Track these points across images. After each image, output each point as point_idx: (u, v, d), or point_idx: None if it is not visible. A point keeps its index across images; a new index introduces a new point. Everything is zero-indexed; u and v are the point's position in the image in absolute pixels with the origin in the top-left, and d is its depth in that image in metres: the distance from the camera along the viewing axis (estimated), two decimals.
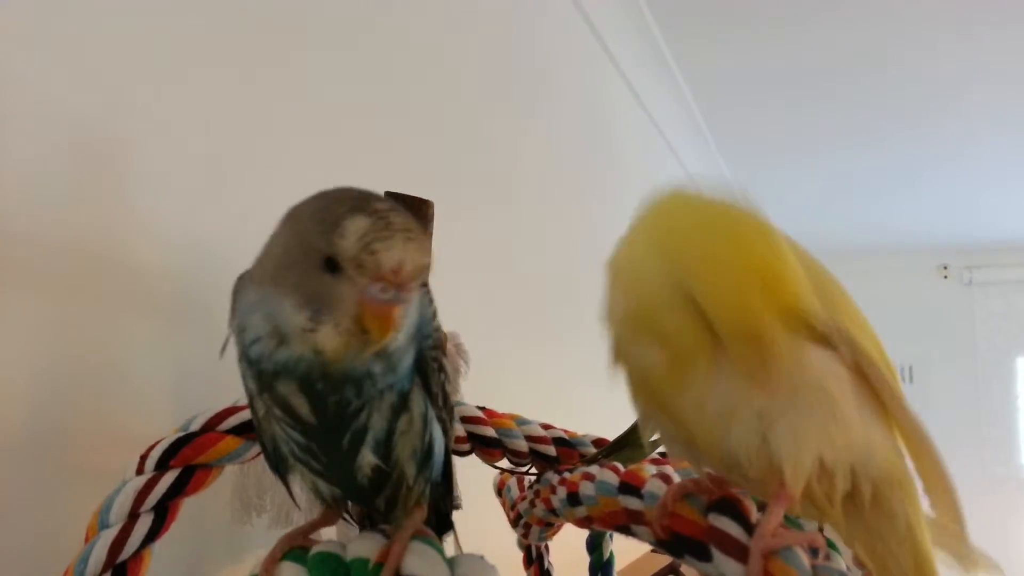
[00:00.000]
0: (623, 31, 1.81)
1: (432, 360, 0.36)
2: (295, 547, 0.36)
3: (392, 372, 0.33)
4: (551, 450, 0.58)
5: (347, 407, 0.32)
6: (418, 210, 0.67)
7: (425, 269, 0.30)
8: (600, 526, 0.45)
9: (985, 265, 3.81)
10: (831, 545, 0.35)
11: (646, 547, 0.71)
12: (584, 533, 0.80)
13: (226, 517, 0.58)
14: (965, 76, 2.11)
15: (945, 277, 3.90)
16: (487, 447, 0.56)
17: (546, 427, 0.60)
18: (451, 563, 0.30)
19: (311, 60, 0.83)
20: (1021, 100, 2.24)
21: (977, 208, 3.24)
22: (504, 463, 0.60)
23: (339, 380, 0.32)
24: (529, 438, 0.58)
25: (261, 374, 0.33)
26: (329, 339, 0.30)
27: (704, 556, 0.34)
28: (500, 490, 0.73)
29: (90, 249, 0.57)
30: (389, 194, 0.66)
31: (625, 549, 0.81)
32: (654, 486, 0.39)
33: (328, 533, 0.43)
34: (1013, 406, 3.73)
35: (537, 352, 1.31)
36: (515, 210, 1.31)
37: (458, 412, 0.56)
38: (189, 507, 0.54)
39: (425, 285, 0.37)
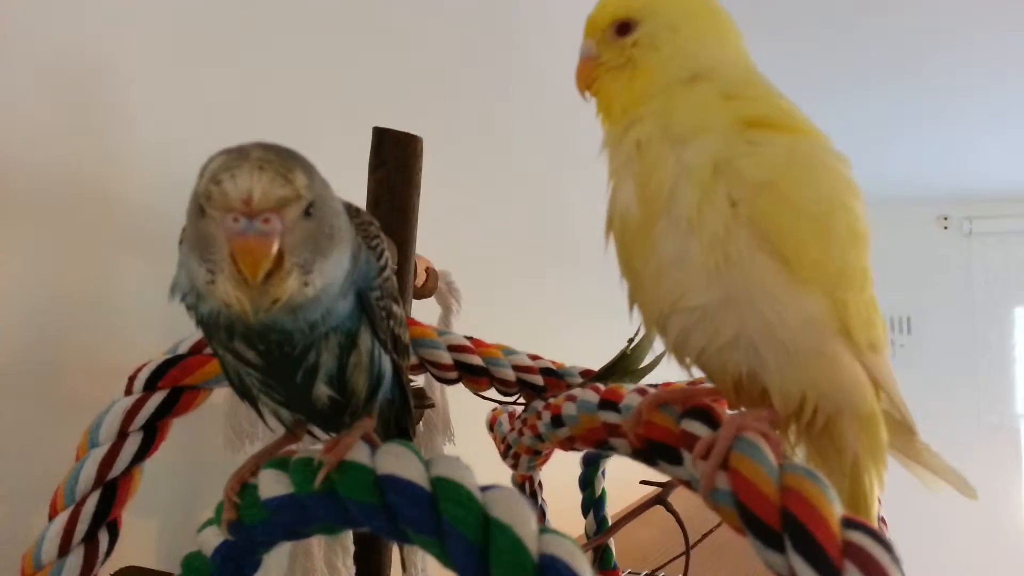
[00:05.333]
0: None
1: (380, 309, 0.37)
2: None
3: (320, 324, 0.33)
4: (538, 379, 0.59)
5: (291, 351, 0.33)
6: (407, 146, 0.67)
7: (283, 199, 0.29)
8: (582, 444, 0.46)
9: (985, 216, 3.80)
10: None
11: (636, 484, 0.72)
12: (577, 471, 0.82)
13: (220, 445, 0.59)
14: (964, 21, 2.07)
15: (945, 228, 3.89)
16: (474, 375, 0.57)
17: (534, 358, 0.61)
18: (427, 464, 0.31)
19: None
20: (1023, 47, 2.21)
21: (977, 158, 3.22)
22: (492, 392, 0.61)
23: (264, 332, 0.32)
24: (516, 367, 0.59)
25: (200, 324, 0.34)
26: (229, 290, 0.29)
27: (676, 460, 0.35)
28: (492, 426, 0.75)
29: (79, 186, 0.58)
30: (378, 129, 0.66)
31: (615, 486, 0.83)
32: (632, 400, 0.39)
33: None
34: (1010, 356, 3.75)
35: (526, 285, 1.32)
36: (503, 142, 1.30)
37: (445, 341, 0.57)
38: (185, 436, 0.55)
39: (376, 239, 0.38)
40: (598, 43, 0.40)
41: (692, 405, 0.36)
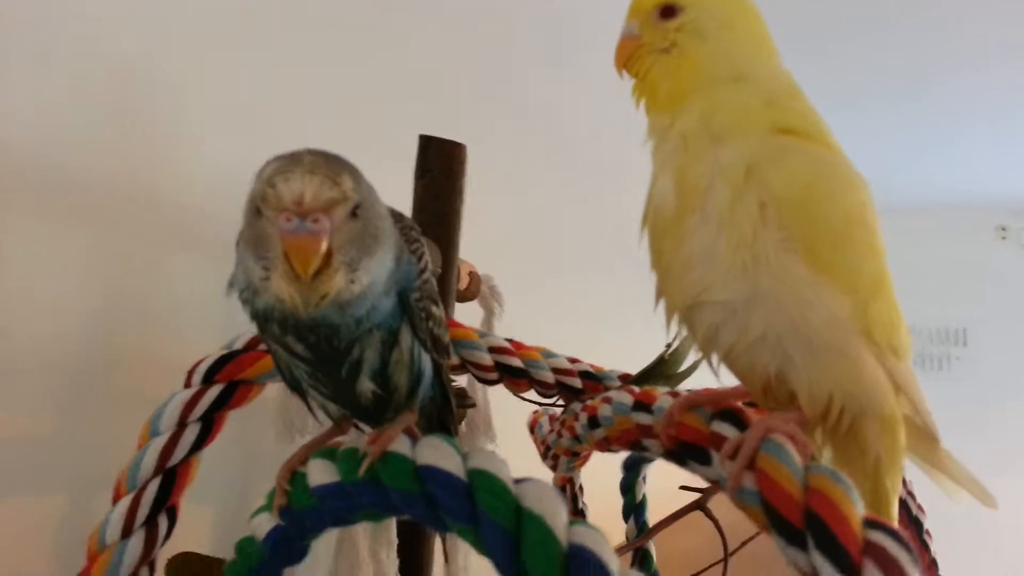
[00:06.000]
0: None
1: (419, 309, 0.39)
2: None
3: (365, 320, 0.35)
4: (577, 382, 0.60)
5: (338, 344, 0.35)
6: (452, 153, 0.69)
7: (332, 200, 0.31)
8: (617, 445, 0.47)
9: None
10: None
11: (677, 491, 0.73)
12: (618, 476, 0.82)
13: (272, 438, 0.62)
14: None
15: (1003, 238, 3.78)
16: (514, 377, 0.59)
17: (573, 361, 0.62)
18: (464, 456, 0.32)
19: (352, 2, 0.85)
20: None
21: None
22: (531, 394, 0.62)
23: (313, 326, 0.34)
24: (556, 370, 0.60)
25: (254, 318, 0.36)
26: (283, 286, 0.32)
27: (705, 460, 0.36)
28: (532, 428, 0.76)
29: (138, 190, 0.61)
30: (424, 137, 0.69)
31: (658, 495, 0.83)
32: (664, 402, 0.40)
33: None
34: None
35: (567, 287, 1.33)
36: (546, 146, 1.32)
37: (486, 343, 0.58)
38: (238, 429, 0.58)
39: (416, 243, 0.40)
40: (641, 24, 0.41)
41: (722, 407, 0.37)
